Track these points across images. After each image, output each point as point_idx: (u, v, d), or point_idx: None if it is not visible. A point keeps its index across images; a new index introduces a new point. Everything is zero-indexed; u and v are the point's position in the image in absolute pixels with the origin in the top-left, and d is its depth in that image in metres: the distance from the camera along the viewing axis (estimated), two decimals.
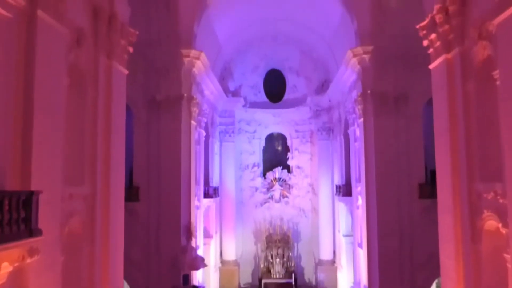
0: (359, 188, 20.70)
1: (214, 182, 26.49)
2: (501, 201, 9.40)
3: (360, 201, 20.35)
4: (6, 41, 8.00)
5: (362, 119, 19.69)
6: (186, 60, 19.32)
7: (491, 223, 9.97)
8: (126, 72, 13.24)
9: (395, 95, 18.89)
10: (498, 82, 9.37)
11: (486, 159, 10.37)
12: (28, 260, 7.65)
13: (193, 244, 19.26)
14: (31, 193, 7.71)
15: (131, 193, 18.37)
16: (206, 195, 23.82)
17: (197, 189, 21.28)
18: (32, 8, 8.49)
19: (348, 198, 23.20)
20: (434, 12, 11.71)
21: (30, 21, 8.48)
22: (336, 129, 26.96)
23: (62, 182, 9.67)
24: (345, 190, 23.77)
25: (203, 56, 19.83)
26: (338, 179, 26.02)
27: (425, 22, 12.39)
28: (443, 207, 12.18)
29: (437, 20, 11.68)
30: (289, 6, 23.52)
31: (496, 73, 9.42)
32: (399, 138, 18.69)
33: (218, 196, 26.90)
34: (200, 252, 20.44)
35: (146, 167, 19.02)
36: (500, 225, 9.48)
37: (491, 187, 9.83)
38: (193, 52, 19.34)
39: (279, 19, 25.30)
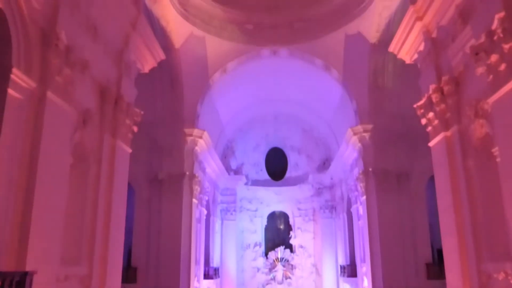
0: (364, 269, 20.03)
1: (215, 262, 25.72)
2: None
3: (366, 282, 19.60)
4: (16, 120, 8.19)
5: (364, 197, 19.57)
6: (189, 139, 19.68)
7: None
8: (130, 151, 13.40)
9: (397, 173, 18.93)
10: (498, 159, 9.42)
11: (494, 238, 10.12)
12: None
13: None
14: (25, 273, 7.46)
15: (129, 274, 17.76)
16: (206, 276, 23.01)
17: (197, 270, 20.61)
18: (42, 90, 8.80)
19: (353, 279, 22.36)
20: (430, 91, 12.06)
21: (39, 102, 8.75)
22: (339, 207, 26.68)
23: (58, 262, 9.40)
24: (349, 270, 23.00)
25: (205, 135, 20.21)
26: (342, 259, 25.26)
27: (422, 102, 12.69)
28: None
29: (434, 100, 11.98)
30: (289, 87, 24.40)
31: (495, 150, 9.50)
32: (403, 216, 18.44)
33: (219, 277, 25.98)
34: None
35: (146, 247, 18.60)
36: None
37: (501, 267, 9.49)
38: (196, 131, 19.75)
39: (279, 100, 26.11)
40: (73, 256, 10.56)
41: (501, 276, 9.48)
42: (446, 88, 11.58)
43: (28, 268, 7.89)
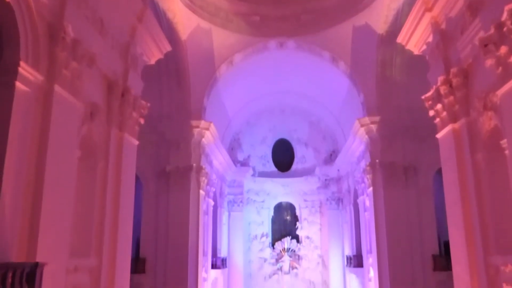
0: (370, 260, 20.08)
1: (222, 252, 25.90)
2: None
3: (372, 273, 19.66)
4: (24, 113, 8.25)
5: (371, 189, 19.55)
6: (195, 130, 19.70)
7: None
8: (137, 143, 13.46)
9: (404, 165, 18.86)
10: (506, 152, 9.36)
11: (502, 230, 10.09)
12: None
13: None
14: (36, 264, 7.58)
15: (137, 264, 17.99)
16: (214, 266, 23.22)
17: (205, 260, 20.78)
18: (49, 84, 8.85)
19: (359, 269, 22.46)
20: (439, 83, 11.97)
21: (47, 95, 8.81)
22: (345, 199, 26.69)
23: (68, 254, 9.51)
24: (356, 261, 23.10)
25: (212, 127, 20.23)
26: (348, 250, 25.34)
27: (430, 93, 12.61)
28: (459, 281, 11.68)
29: (442, 91, 11.90)
30: (296, 80, 24.31)
31: (504, 143, 9.44)
32: (410, 208, 18.41)
33: (226, 267, 26.17)
34: None
35: (154, 238, 18.76)
36: None
37: (509, 260, 9.48)
38: (202, 123, 19.76)
39: (286, 92, 26.04)
40: (83, 248, 10.68)
41: (508, 268, 9.48)
42: (454, 80, 11.48)
43: (38, 259, 8.00)
